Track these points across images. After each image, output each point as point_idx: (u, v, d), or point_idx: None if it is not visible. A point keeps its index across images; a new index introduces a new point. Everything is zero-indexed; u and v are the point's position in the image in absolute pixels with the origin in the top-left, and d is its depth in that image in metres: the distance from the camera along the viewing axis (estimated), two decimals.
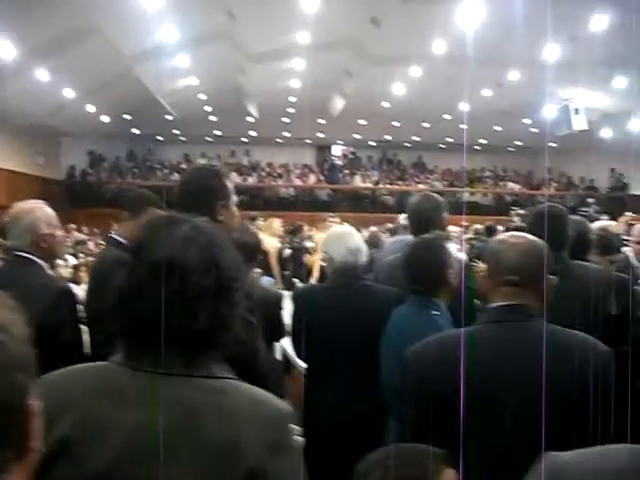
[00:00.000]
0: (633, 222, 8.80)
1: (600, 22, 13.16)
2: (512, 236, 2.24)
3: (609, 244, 4.79)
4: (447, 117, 21.81)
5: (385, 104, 21.40)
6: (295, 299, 3.55)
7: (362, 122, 24.07)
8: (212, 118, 23.44)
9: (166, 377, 1.32)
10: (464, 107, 19.92)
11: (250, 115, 22.92)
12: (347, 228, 3.80)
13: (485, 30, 13.52)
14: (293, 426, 1.35)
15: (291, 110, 22.95)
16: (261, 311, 2.61)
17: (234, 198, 2.61)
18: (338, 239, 3.45)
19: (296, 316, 3.50)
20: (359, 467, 1.56)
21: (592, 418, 1.87)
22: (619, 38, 12.67)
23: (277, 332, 3.87)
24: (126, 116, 21.70)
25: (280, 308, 3.97)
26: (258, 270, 4.04)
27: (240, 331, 1.43)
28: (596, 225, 5.29)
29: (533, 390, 1.89)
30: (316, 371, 3.48)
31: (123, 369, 1.35)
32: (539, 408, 1.87)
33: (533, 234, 3.08)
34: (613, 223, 9.92)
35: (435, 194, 3.86)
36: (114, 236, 3.49)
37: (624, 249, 5.40)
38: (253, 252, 3.58)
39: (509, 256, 2.09)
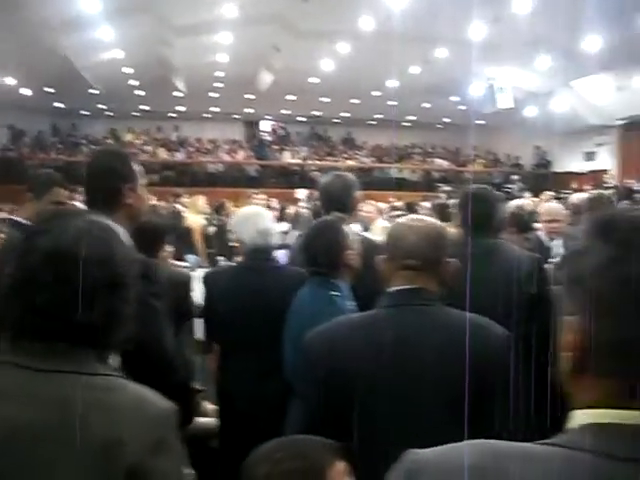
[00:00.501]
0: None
1: (524, 3, 13.36)
2: (412, 219, 2.22)
3: (524, 222, 4.90)
4: (376, 93, 21.91)
5: (314, 80, 21.31)
6: (205, 280, 3.51)
7: (291, 97, 23.90)
8: (138, 92, 22.88)
9: (49, 374, 1.29)
10: (393, 83, 20.00)
11: (177, 90, 22.54)
12: (256, 209, 3.77)
13: (412, 7, 13.56)
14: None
15: (219, 85, 22.62)
16: (169, 293, 2.58)
17: (142, 181, 2.56)
18: (247, 221, 3.40)
19: (206, 298, 3.48)
20: (247, 460, 1.53)
21: (488, 403, 1.88)
22: (543, 19, 12.89)
23: (186, 313, 3.82)
24: (48, 89, 20.97)
25: (189, 289, 3.92)
26: (170, 249, 3.98)
27: (131, 328, 1.41)
28: (513, 203, 5.39)
29: (428, 375, 1.89)
30: (227, 353, 3.47)
31: (5, 365, 1.31)
32: (432, 393, 1.88)
33: (462, 216, 3.17)
34: (534, 200, 10.16)
35: (347, 173, 3.79)
36: (14, 217, 3.38)
37: (537, 225, 5.55)
38: (162, 234, 3.52)
39: (408, 240, 2.06)
